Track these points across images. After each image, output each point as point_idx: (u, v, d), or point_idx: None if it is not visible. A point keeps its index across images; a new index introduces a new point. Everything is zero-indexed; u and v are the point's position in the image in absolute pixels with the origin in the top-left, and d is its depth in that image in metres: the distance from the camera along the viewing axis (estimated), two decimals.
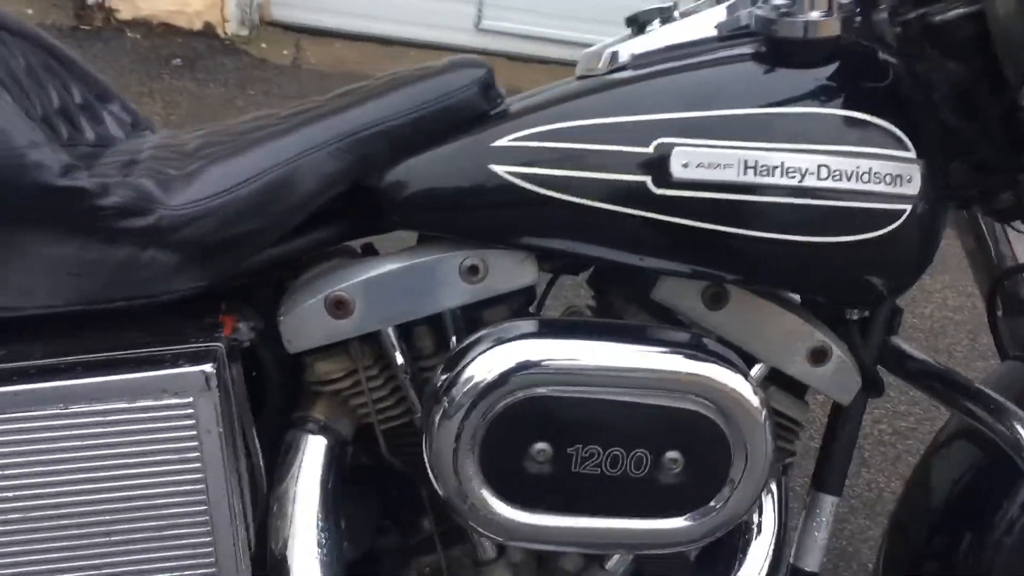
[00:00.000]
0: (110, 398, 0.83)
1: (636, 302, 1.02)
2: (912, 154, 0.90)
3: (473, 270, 0.95)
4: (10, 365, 0.84)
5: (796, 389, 1.06)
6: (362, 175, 0.93)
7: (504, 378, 0.89)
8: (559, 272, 1.04)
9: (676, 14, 1.02)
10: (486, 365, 0.90)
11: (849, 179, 0.88)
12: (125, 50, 3.60)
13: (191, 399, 0.84)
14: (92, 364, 0.85)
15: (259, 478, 0.95)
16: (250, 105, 3.41)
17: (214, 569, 0.88)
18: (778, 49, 0.91)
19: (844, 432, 1.08)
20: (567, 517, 0.93)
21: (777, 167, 0.88)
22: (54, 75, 1.05)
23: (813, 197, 0.88)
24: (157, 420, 0.84)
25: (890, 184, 0.89)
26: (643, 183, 0.89)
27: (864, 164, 0.88)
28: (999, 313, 1.20)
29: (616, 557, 1.03)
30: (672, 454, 0.92)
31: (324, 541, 0.97)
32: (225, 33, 3.82)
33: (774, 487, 1.09)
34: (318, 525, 0.97)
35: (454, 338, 0.97)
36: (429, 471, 0.93)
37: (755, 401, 0.92)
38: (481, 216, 0.93)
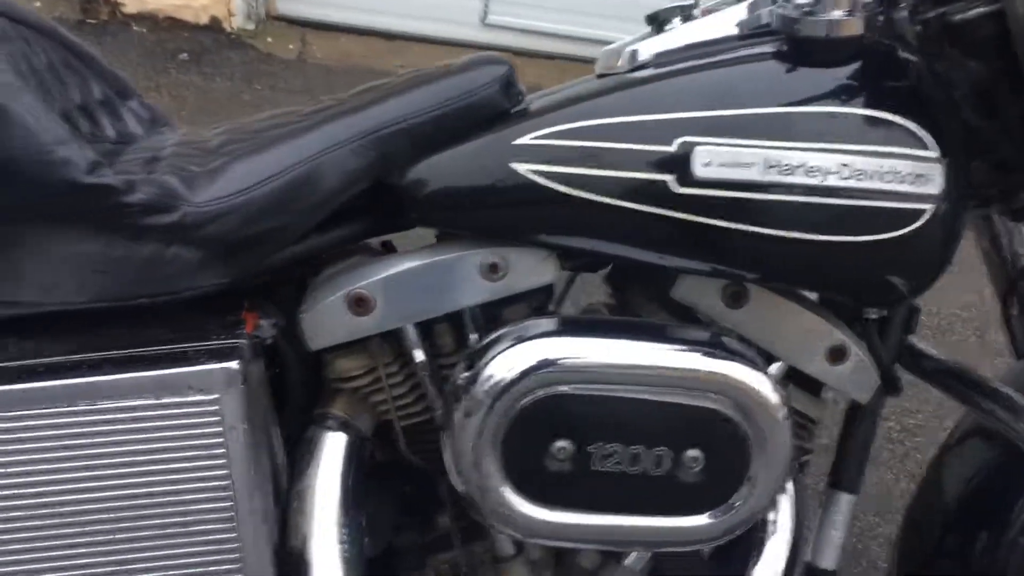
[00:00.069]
0: (135, 395, 0.83)
1: (655, 300, 1.02)
2: (934, 154, 0.90)
3: (494, 268, 0.95)
4: (35, 361, 0.84)
5: (811, 387, 1.06)
6: (384, 173, 0.93)
7: (525, 376, 0.90)
8: (578, 270, 1.04)
9: (697, 12, 1.02)
10: (507, 363, 0.90)
11: (871, 178, 0.88)
12: (131, 44, 3.60)
13: (217, 396, 0.84)
14: (117, 360, 0.85)
15: (281, 474, 0.95)
16: (256, 100, 3.42)
17: (239, 565, 0.88)
18: (800, 48, 0.91)
19: (861, 431, 1.09)
20: (587, 514, 0.93)
21: (799, 166, 0.88)
22: (74, 72, 1.05)
23: (835, 196, 0.88)
24: (182, 417, 0.84)
25: (912, 184, 0.89)
26: (665, 182, 0.89)
27: (886, 163, 0.88)
28: (1015, 312, 1.20)
29: (634, 554, 1.03)
30: (692, 452, 0.92)
31: (344, 538, 0.97)
32: (231, 27, 3.82)
33: (790, 485, 1.09)
34: (338, 522, 0.97)
35: (474, 336, 0.97)
36: (449, 468, 0.93)
37: (775, 399, 0.92)
38: (502, 214, 0.94)
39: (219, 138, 0.97)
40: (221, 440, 0.85)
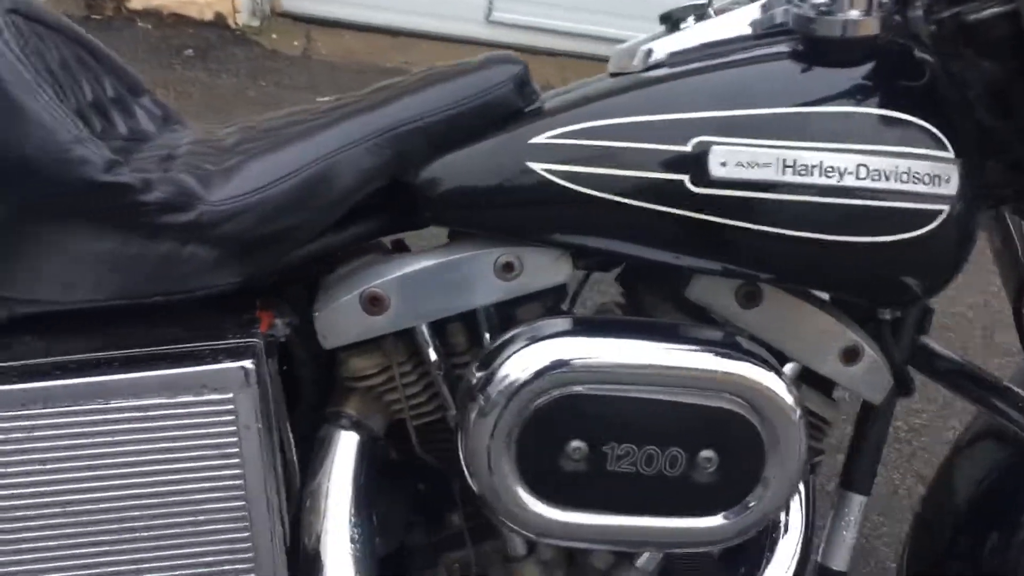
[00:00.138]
0: (150, 393, 0.83)
1: (667, 300, 1.02)
2: (950, 154, 0.89)
3: (508, 267, 0.95)
4: (50, 359, 0.84)
5: (823, 387, 1.06)
6: (399, 171, 0.93)
7: (540, 376, 0.89)
8: (592, 269, 1.04)
9: (711, 11, 1.02)
10: (522, 363, 0.90)
11: (888, 179, 0.88)
12: (136, 40, 3.60)
13: (231, 395, 0.84)
14: (131, 359, 0.85)
15: (293, 474, 0.95)
16: (262, 96, 3.41)
17: (252, 564, 0.88)
18: (816, 48, 0.91)
19: (873, 431, 1.09)
20: (601, 515, 0.93)
21: (816, 166, 0.88)
22: (87, 68, 1.05)
23: (852, 197, 0.88)
24: (197, 416, 0.84)
25: (928, 184, 0.89)
26: (681, 181, 0.89)
27: (903, 164, 0.88)
28: None
29: (646, 555, 1.03)
30: (707, 453, 0.92)
31: (357, 537, 0.97)
32: (236, 24, 3.82)
33: (801, 486, 1.09)
34: (351, 521, 0.97)
35: (487, 335, 0.97)
36: (463, 468, 0.93)
37: (790, 400, 0.92)
38: (518, 213, 0.93)
39: (234, 136, 0.96)
40: (235, 439, 0.85)
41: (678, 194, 0.89)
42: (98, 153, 0.81)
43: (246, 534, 0.87)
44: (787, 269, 0.93)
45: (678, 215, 0.90)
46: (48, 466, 0.83)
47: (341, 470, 0.98)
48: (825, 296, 1.03)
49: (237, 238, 0.86)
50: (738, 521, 0.94)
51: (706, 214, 0.89)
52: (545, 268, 0.96)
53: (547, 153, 0.90)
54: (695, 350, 0.92)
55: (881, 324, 1.02)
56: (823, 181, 0.88)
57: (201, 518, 0.86)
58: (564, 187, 0.90)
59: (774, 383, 0.91)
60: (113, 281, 0.85)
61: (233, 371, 0.84)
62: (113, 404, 0.83)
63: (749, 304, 0.97)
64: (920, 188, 0.89)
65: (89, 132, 0.85)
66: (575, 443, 0.91)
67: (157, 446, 0.84)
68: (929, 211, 0.89)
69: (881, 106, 0.90)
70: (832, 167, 0.88)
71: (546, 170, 0.90)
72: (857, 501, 1.09)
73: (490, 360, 0.92)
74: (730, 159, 0.88)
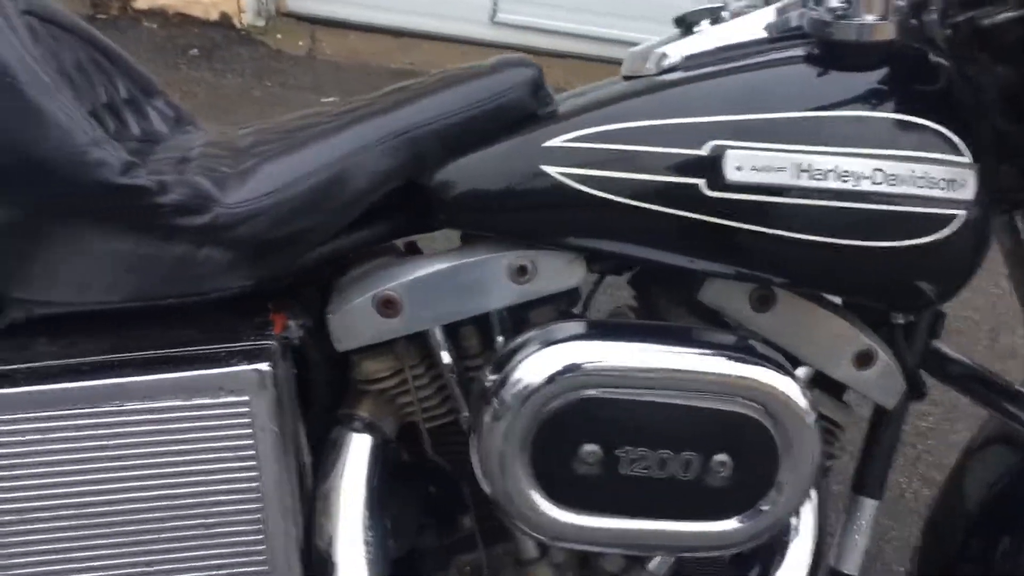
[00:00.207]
0: (165, 396, 0.83)
1: (680, 303, 1.02)
2: (967, 159, 0.89)
3: (522, 270, 0.95)
4: (65, 362, 0.84)
5: (834, 391, 1.06)
6: (413, 174, 0.93)
7: (553, 380, 0.89)
8: (605, 273, 1.03)
9: (725, 15, 1.02)
10: (536, 367, 0.90)
11: (904, 183, 0.88)
12: (141, 40, 3.60)
13: (247, 397, 0.84)
14: (147, 361, 0.85)
15: (306, 476, 0.95)
16: (267, 96, 3.42)
17: (266, 568, 0.88)
18: (832, 52, 0.91)
19: (886, 436, 1.09)
20: (615, 518, 0.93)
21: (831, 170, 0.88)
22: (101, 70, 1.05)
23: (867, 201, 0.88)
24: (213, 418, 0.84)
25: (944, 189, 0.89)
26: (696, 185, 0.89)
27: (919, 168, 0.88)
28: None
29: (658, 558, 1.03)
30: (720, 457, 0.92)
31: (369, 539, 0.97)
32: (241, 24, 3.82)
33: (813, 490, 1.09)
34: (364, 523, 0.97)
35: (500, 338, 0.97)
36: (477, 471, 0.93)
37: (804, 404, 0.92)
38: (532, 216, 0.93)
39: (248, 138, 0.96)
40: (251, 442, 0.85)
41: (693, 198, 0.89)
42: (115, 155, 0.81)
43: (261, 536, 0.87)
44: (802, 273, 0.93)
45: (693, 219, 0.90)
46: (63, 468, 0.83)
47: (354, 472, 0.98)
48: (837, 300, 1.03)
49: (252, 240, 0.86)
50: (751, 525, 0.94)
51: (721, 218, 0.89)
52: (558, 271, 0.96)
53: (561, 156, 0.90)
54: (709, 354, 0.92)
55: (894, 328, 1.02)
56: (839, 185, 0.88)
57: (216, 520, 0.86)
58: (578, 190, 0.90)
59: (789, 387, 0.91)
60: (128, 283, 0.85)
61: (249, 374, 0.84)
62: (128, 406, 0.83)
63: (762, 308, 0.97)
64: (936, 193, 0.89)
65: (104, 134, 0.85)
66: (589, 447, 0.91)
67: (172, 448, 0.84)
68: (944, 216, 0.89)
69: (897, 110, 0.90)
70: (848, 171, 0.88)
71: (560, 173, 0.90)
72: (869, 505, 1.09)
73: (504, 363, 0.92)
74: (745, 163, 0.88)
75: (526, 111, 0.95)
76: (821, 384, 1.03)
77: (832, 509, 1.13)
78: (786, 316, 0.98)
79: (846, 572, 1.10)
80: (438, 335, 0.97)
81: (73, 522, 0.84)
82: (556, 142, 0.91)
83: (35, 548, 0.84)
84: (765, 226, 0.89)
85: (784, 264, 0.92)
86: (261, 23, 3.88)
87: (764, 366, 0.92)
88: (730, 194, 0.88)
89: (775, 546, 1.08)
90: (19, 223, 0.83)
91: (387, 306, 0.94)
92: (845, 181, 0.88)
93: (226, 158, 0.91)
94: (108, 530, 0.85)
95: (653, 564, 1.03)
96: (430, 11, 4.00)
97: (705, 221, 0.90)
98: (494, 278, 0.95)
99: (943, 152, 0.89)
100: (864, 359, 1.00)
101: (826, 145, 0.88)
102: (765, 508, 0.93)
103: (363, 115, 0.94)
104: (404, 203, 0.95)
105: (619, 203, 0.90)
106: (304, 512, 0.95)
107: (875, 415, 1.09)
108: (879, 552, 1.87)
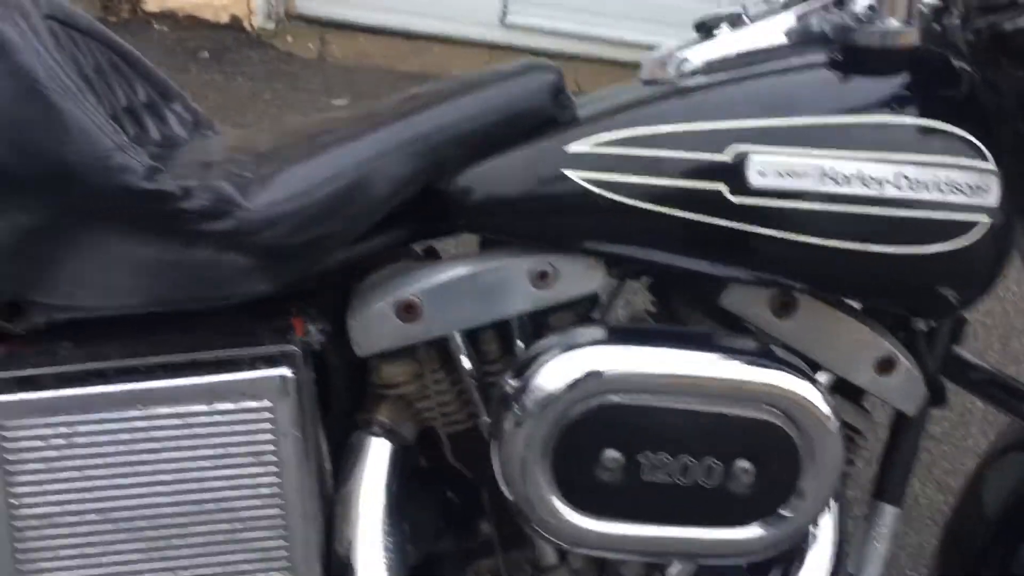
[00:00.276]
0: (188, 401, 0.83)
1: (699, 308, 1.02)
2: (990, 164, 0.89)
3: (543, 276, 0.94)
4: (88, 366, 0.84)
5: (852, 397, 1.05)
6: (434, 179, 0.93)
7: (575, 386, 0.89)
8: (625, 278, 1.03)
9: (745, 19, 1.02)
10: (557, 373, 0.90)
11: (928, 189, 0.88)
12: (152, 43, 3.60)
13: (270, 403, 0.84)
14: (169, 366, 0.85)
15: (327, 480, 0.95)
16: (277, 99, 3.41)
17: (287, 572, 0.88)
18: (855, 57, 0.91)
19: (906, 442, 1.08)
20: (636, 525, 0.93)
21: (855, 176, 0.87)
22: (120, 74, 1.05)
23: (892, 207, 0.88)
24: (235, 423, 0.84)
25: (969, 194, 0.89)
26: (719, 191, 0.89)
27: (943, 174, 0.88)
28: None
29: (678, 565, 1.02)
30: (742, 463, 0.91)
31: (388, 544, 0.97)
32: (251, 26, 3.82)
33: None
34: (383, 528, 0.97)
35: (520, 343, 0.96)
36: (498, 477, 0.93)
37: (827, 411, 0.91)
38: (554, 221, 0.93)
39: (270, 143, 0.96)
40: (273, 447, 0.85)
41: (716, 203, 0.89)
42: (139, 160, 0.81)
43: (283, 541, 0.87)
44: (824, 279, 0.93)
45: (715, 224, 0.89)
46: (87, 472, 0.84)
47: (373, 477, 0.98)
48: (857, 305, 1.02)
49: (275, 245, 0.86)
50: (773, 532, 0.94)
51: (744, 223, 0.89)
52: (579, 276, 0.95)
53: (583, 161, 0.90)
54: (731, 360, 0.92)
55: (916, 334, 1.02)
56: (862, 191, 0.87)
57: (237, 525, 0.86)
58: (600, 195, 0.90)
59: (811, 393, 0.91)
60: (151, 287, 0.85)
61: (272, 379, 0.84)
62: (151, 411, 0.83)
63: (784, 313, 0.97)
64: (960, 199, 0.88)
65: (127, 139, 0.85)
66: (610, 453, 0.90)
67: (195, 453, 0.84)
68: (968, 222, 0.89)
69: (921, 115, 0.89)
70: (872, 177, 0.87)
71: (582, 178, 0.90)
72: (890, 513, 1.09)
73: (525, 369, 0.92)
74: (769, 168, 0.88)
75: (547, 116, 0.94)
76: (841, 390, 1.03)
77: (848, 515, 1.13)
78: (808, 322, 0.97)
79: None
80: (458, 340, 0.96)
81: (96, 527, 0.84)
82: (577, 147, 0.91)
83: (59, 552, 0.84)
84: (788, 231, 0.89)
85: (807, 270, 0.92)
86: (271, 26, 3.88)
87: (786, 372, 0.91)
88: (753, 199, 0.88)
89: (794, 553, 1.08)
90: (43, 228, 0.83)
91: (408, 311, 0.94)
92: (869, 186, 0.87)
93: (248, 163, 0.91)
94: (131, 534, 0.85)
95: (672, 571, 1.03)
96: (440, 13, 3.99)
97: (727, 227, 0.89)
98: (515, 283, 0.94)
99: (967, 157, 0.89)
100: (886, 365, 0.99)
101: (850, 150, 0.88)
102: (787, 515, 0.93)
103: (383, 120, 0.93)
104: (422, 207, 0.95)
105: (641, 208, 0.90)
106: (324, 516, 0.95)
107: (896, 422, 1.09)
108: (894, 558, 1.85)
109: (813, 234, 0.89)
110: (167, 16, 3.73)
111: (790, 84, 0.92)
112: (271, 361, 0.85)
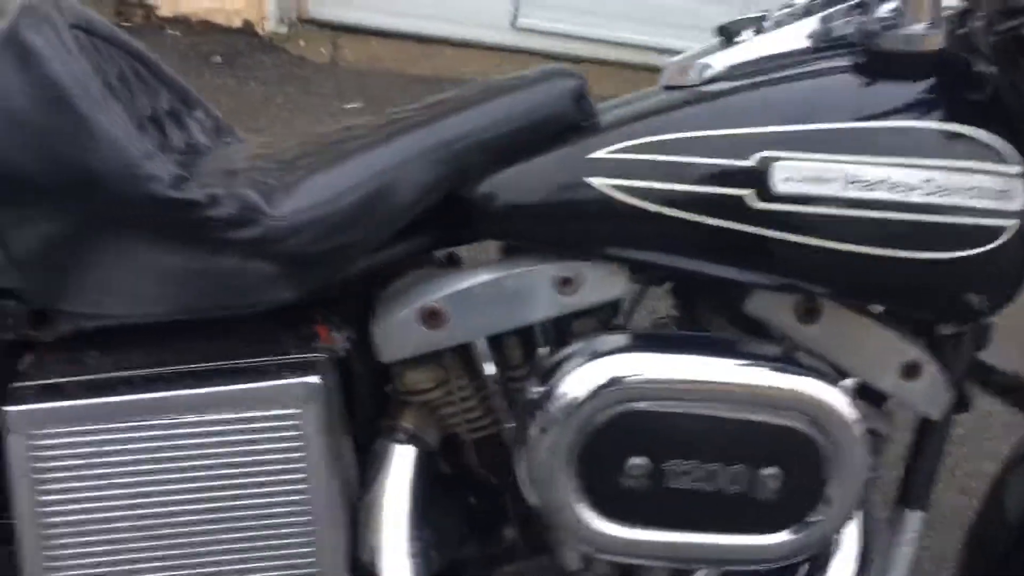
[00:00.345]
0: (216, 409, 0.84)
1: (723, 314, 1.01)
2: (1017, 169, 0.89)
3: (567, 282, 0.94)
4: (116, 374, 0.84)
5: (873, 403, 1.05)
6: (457, 185, 0.93)
7: (600, 392, 0.89)
8: (648, 284, 1.03)
9: (768, 24, 1.01)
10: (582, 379, 0.90)
11: (955, 194, 0.87)
12: (165, 47, 3.61)
13: (297, 410, 0.84)
14: (196, 374, 0.85)
15: (353, 487, 0.95)
16: (289, 103, 3.42)
17: None
18: (879, 61, 0.90)
19: (931, 447, 1.07)
20: (662, 531, 0.93)
21: (881, 181, 0.87)
22: (143, 82, 1.05)
23: (918, 212, 0.87)
24: (263, 431, 0.84)
25: (995, 199, 0.88)
26: (743, 197, 0.88)
27: (969, 179, 0.87)
28: None
29: (703, 571, 1.02)
30: (768, 470, 0.91)
31: (413, 550, 0.97)
32: (264, 31, 3.83)
33: None
34: (407, 534, 0.97)
35: (544, 349, 0.96)
36: (523, 483, 0.93)
37: (853, 416, 0.91)
38: (577, 228, 0.93)
39: (293, 150, 0.97)
40: (301, 454, 0.85)
41: (741, 209, 0.88)
42: (165, 168, 0.82)
43: (311, 548, 0.87)
44: (850, 285, 0.93)
45: (740, 230, 0.89)
46: (113, 480, 0.84)
47: (398, 484, 0.98)
48: (880, 310, 1.02)
49: (300, 253, 0.86)
50: (800, 538, 0.93)
51: (769, 229, 0.89)
52: (602, 283, 0.95)
53: (606, 168, 0.90)
54: (757, 366, 0.92)
55: (941, 339, 1.01)
56: (889, 196, 0.87)
57: (266, 533, 0.86)
58: (624, 202, 0.90)
59: (837, 400, 0.91)
60: (178, 295, 0.85)
61: (299, 386, 0.84)
62: (179, 419, 0.83)
63: (808, 319, 0.97)
64: (986, 204, 0.88)
65: (154, 147, 0.85)
66: (636, 459, 0.90)
67: (223, 460, 0.85)
68: (995, 227, 0.89)
69: (947, 120, 0.89)
70: (898, 183, 0.87)
71: (605, 185, 0.90)
72: (915, 517, 1.08)
73: (549, 375, 0.92)
74: (794, 174, 0.87)
75: (569, 122, 0.94)
76: (864, 395, 1.02)
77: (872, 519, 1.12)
78: (833, 327, 0.97)
79: None
80: (482, 346, 0.96)
81: (125, 534, 0.85)
82: (601, 153, 0.91)
83: (88, 560, 0.85)
84: (814, 237, 0.88)
85: (832, 275, 0.92)
86: (283, 30, 3.89)
87: (812, 378, 0.91)
88: (779, 205, 0.88)
89: (819, 558, 1.07)
90: (70, 236, 0.84)
91: (432, 318, 0.94)
92: (895, 192, 0.87)
93: (273, 171, 0.91)
94: (160, 542, 0.86)
95: None
96: (451, 17, 4.00)
97: (753, 233, 0.89)
98: (539, 289, 0.94)
99: (993, 162, 0.88)
100: (911, 370, 0.99)
101: (876, 155, 0.87)
102: (814, 521, 0.93)
103: (406, 127, 0.93)
104: (445, 214, 0.95)
105: (665, 215, 0.89)
106: (350, 523, 0.95)
107: (920, 426, 1.08)
108: (916, 561, 1.84)
109: (838, 240, 0.88)
110: (180, 21, 3.75)
111: (814, 89, 0.91)
112: (297, 369, 0.86)
